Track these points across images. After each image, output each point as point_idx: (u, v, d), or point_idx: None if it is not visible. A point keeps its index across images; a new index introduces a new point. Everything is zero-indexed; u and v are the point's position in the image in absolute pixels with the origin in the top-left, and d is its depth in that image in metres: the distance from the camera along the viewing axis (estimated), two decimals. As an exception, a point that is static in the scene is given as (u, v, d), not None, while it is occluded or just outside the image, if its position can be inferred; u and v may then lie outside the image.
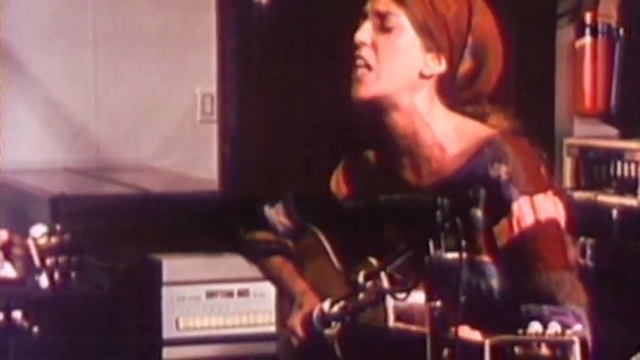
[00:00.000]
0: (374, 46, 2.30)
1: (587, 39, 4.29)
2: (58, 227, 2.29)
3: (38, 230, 2.29)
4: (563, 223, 2.26)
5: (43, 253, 2.27)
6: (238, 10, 4.35)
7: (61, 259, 2.27)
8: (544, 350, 1.81)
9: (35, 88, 4.30)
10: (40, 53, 4.28)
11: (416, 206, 2.25)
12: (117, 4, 4.34)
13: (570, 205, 2.31)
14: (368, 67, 2.30)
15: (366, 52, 2.30)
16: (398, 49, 2.29)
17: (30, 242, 2.27)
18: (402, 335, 2.13)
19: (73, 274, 2.27)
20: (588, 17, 4.29)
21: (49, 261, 2.27)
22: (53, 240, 2.28)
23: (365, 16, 2.33)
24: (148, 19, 4.36)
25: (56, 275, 2.27)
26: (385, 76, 2.30)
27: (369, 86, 2.30)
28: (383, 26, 2.30)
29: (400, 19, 2.29)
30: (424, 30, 2.29)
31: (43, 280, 2.25)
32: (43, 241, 2.28)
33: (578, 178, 4.27)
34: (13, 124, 4.26)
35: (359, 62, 2.31)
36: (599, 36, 4.28)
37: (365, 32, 2.31)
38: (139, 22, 4.35)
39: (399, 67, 2.30)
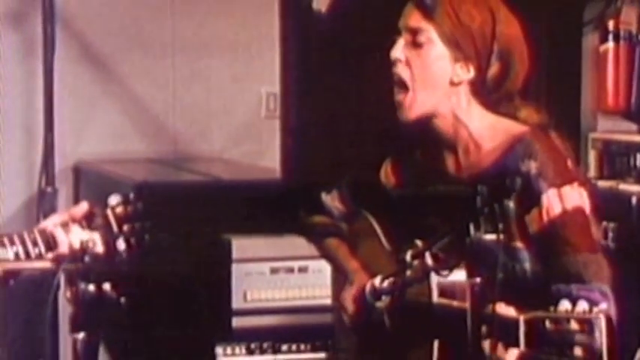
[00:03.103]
0: (407, 62, 2.29)
1: (610, 44, 4.26)
2: (132, 197, 2.30)
3: (114, 200, 2.30)
4: (588, 210, 2.26)
5: (120, 220, 2.28)
6: (299, 19, 4.35)
7: (136, 225, 2.28)
8: (573, 326, 1.81)
9: (120, 87, 4.32)
10: (125, 56, 4.30)
11: (456, 196, 2.26)
12: (193, 14, 4.35)
13: (594, 193, 2.30)
14: (403, 83, 2.30)
15: (400, 68, 2.30)
16: (429, 62, 2.28)
17: (108, 211, 2.28)
18: (444, 310, 2.13)
19: (146, 237, 2.28)
20: (611, 24, 4.26)
21: (125, 227, 2.27)
22: (128, 208, 2.28)
23: (399, 33, 2.32)
24: (220, 27, 4.37)
25: (132, 240, 2.28)
26: (420, 91, 2.29)
27: (412, 109, 2.30)
28: (415, 41, 2.29)
29: (430, 34, 2.27)
30: (452, 42, 2.27)
31: (121, 244, 2.26)
32: (119, 209, 2.28)
33: (601, 169, 4.24)
34: (101, 119, 4.29)
35: (395, 77, 2.31)
36: (621, 41, 4.24)
37: (399, 49, 2.31)
38: (212, 30, 4.36)
39: (430, 79, 2.29)
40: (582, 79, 4.44)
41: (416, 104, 2.29)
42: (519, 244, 2.23)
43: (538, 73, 4.25)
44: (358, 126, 4.26)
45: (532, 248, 2.23)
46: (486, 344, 1.93)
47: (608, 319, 1.81)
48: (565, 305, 1.85)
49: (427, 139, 2.36)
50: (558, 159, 2.27)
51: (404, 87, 2.30)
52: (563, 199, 2.22)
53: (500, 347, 1.92)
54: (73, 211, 2.26)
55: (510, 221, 2.19)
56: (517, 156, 2.25)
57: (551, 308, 1.85)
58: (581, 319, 1.82)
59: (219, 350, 3.50)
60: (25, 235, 2.21)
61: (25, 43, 4.12)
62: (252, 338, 3.51)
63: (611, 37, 4.26)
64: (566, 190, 2.23)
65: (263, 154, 4.39)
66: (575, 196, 2.24)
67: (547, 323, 1.83)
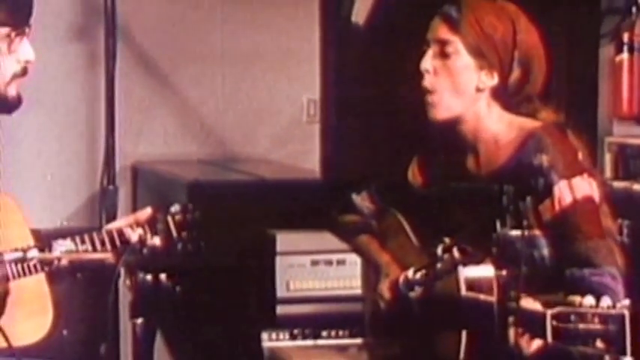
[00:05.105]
0: (436, 72, 2.30)
1: (625, 55, 4.23)
2: (190, 206, 2.32)
3: (175, 208, 2.31)
4: (597, 199, 2.25)
5: (179, 227, 2.29)
6: (338, 32, 4.36)
7: (194, 233, 2.29)
8: (597, 320, 1.80)
9: (174, 94, 4.35)
10: (178, 65, 4.32)
11: (479, 193, 2.26)
12: (241, 26, 4.37)
13: (603, 183, 2.29)
14: (433, 90, 2.31)
15: (429, 78, 2.30)
16: (456, 72, 2.29)
17: (169, 218, 2.30)
18: (472, 302, 2.13)
19: (202, 244, 2.29)
20: (626, 37, 4.24)
21: (184, 234, 2.29)
22: (187, 216, 2.31)
23: (427, 44, 2.32)
24: (265, 39, 4.39)
25: (189, 246, 2.29)
26: (448, 96, 2.30)
27: (440, 110, 2.31)
28: (442, 52, 2.30)
29: (457, 45, 2.28)
30: (477, 52, 2.28)
31: (179, 249, 2.28)
32: (179, 217, 2.30)
33: (617, 171, 4.22)
34: (157, 123, 4.32)
35: (425, 87, 2.31)
36: (635, 52, 4.22)
37: (428, 60, 2.31)
38: (258, 41, 4.38)
39: (458, 86, 2.30)
40: (599, 87, 4.42)
41: (443, 106, 2.29)
42: (538, 233, 2.23)
43: (558, 82, 4.26)
44: (390, 131, 4.26)
45: (547, 236, 2.23)
46: (512, 334, 1.92)
47: (632, 314, 1.79)
48: (590, 300, 1.83)
49: (450, 139, 2.36)
50: (568, 152, 2.27)
51: (434, 92, 2.31)
52: (574, 189, 2.22)
53: (525, 338, 1.91)
54: (138, 215, 2.29)
55: (529, 212, 2.19)
56: (530, 150, 2.26)
57: (577, 301, 1.83)
58: (606, 314, 1.80)
59: (264, 336, 3.51)
60: (95, 236, 2.24)
61: (90, 55, 4.17)
62: (295, 325, 3.51)
63: (625, 48, 4.23)
64: (576, 181, 2.23)
65: (304, 156, 4.40)
66: (585, 187, 2.24)
67: (572, 317, 1.81)
